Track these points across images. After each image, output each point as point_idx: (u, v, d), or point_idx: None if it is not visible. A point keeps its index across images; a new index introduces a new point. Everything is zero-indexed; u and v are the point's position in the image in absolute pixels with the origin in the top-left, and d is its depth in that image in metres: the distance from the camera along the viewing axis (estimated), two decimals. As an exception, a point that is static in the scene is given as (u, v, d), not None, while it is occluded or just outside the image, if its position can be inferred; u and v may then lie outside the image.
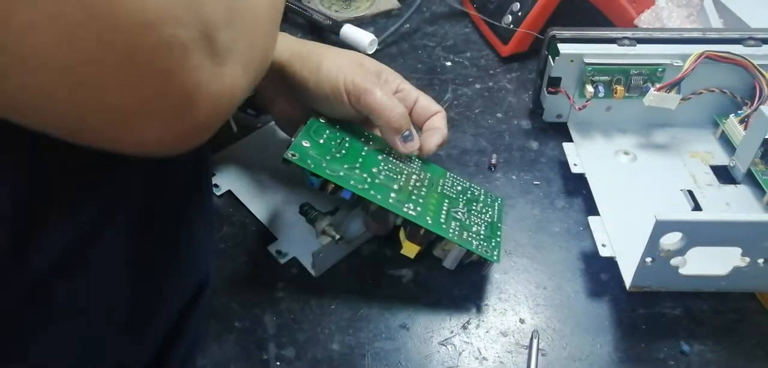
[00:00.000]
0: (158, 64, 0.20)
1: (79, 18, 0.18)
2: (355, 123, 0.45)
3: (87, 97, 0.20)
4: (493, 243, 0.42)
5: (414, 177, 0.43)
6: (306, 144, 0.40)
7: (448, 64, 0.65)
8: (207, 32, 0.22)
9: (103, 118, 0.21)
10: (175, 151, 0.24)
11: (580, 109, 0.52)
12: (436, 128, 0.45)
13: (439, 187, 0.44)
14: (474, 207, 0.44)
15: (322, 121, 0.43)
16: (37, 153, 0.22)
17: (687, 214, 0.44)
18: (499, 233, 0.43)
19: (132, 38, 0.19)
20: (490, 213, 0.45)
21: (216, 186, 0.49)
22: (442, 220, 0.40)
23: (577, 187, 0.50)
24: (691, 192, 0.47)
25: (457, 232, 0.40)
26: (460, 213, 0.42)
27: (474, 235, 0.41)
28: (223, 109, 0.24)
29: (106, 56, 0.19)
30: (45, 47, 0.18)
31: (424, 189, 0.42)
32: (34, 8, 0.18)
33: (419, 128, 0.46)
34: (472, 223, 0.42)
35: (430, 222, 0.39)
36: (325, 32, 0.68)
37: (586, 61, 0.50)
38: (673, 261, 0.37)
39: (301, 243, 0.45)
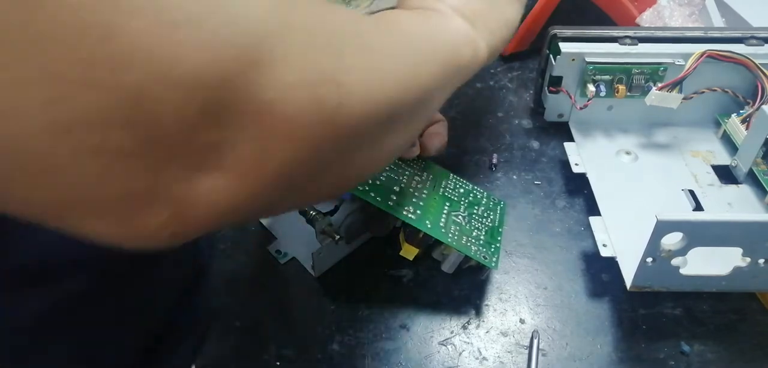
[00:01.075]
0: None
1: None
2: None
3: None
4: (492, 249, 0.41)
5: (415, 178, 0.43)
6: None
7: (449, 63, 0.65)
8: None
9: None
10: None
11: (581, 108, 0.51)
12: (437, 133, 0.45)
13: (441, 190, 0.44)
14: (475, 211, 0.44)
15: None
16: None
17: (688, 214, 0.44)
18: (499, 238, 0.43)
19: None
20: (492, 217, 0.44)
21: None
22: (442, 224, 0.40)
23: (578, 187, 0.50)
24: (692, 192, 0.47)
25: (456, 237, 0.40)
26: (460, 217, 0.42)
27: (473, 240, 0.41)
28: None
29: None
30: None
31: (425, 191, 0.42)
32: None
33: (420, 135, 0.46)
34: (472, 228, 0.42)
35: (429, 225, 0.39)
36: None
37: (588, 60, 0.50)
38: (674, 261, 0.37)
39: (301, 243, 0.45)
